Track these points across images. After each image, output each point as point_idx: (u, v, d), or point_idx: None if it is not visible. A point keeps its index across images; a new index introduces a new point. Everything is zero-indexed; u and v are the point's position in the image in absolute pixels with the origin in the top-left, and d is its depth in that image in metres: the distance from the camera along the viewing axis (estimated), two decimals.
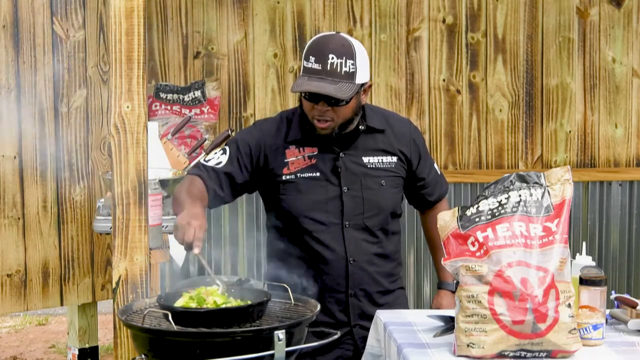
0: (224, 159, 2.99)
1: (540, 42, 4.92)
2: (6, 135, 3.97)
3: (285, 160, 2.98)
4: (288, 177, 2.97)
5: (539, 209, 2.34)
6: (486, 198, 2.39)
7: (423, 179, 3.13)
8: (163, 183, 3.14)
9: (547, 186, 2.37)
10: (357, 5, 4.84)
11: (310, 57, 2.85)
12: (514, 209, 2.34)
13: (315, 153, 2.98)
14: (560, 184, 2.37)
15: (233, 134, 4.73)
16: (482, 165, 4.94)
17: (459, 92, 4.91)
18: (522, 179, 2.39)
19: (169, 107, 4.73)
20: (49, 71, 4.07)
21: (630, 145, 4.99)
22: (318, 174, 2.96)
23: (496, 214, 2.34)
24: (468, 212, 2.38)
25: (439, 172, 3.21)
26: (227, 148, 3.01)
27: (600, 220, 4.97)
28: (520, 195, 2.36)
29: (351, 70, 2.84)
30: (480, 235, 2.32)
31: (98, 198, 4.02)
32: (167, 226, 3.22)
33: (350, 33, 4.82)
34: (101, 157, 4.24)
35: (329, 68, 2.82)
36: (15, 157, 4.00)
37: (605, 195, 4.97)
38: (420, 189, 3.15)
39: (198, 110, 4.74)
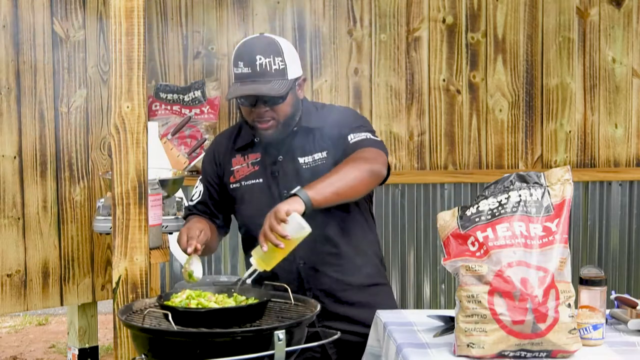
0: (201, 188, 3.09)
1: (540, 42, 4.93)
2: (6, 135, 3.98)
3: (232, 169, 3.02)
4: (234, 185, 3.01)
5: (539, 209, 2.34)
6: (486, 198, 2.39)
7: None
8: (163, 183, 3.14)
9: (547, 186, 2.37)
10: (357, 5, 4.84)
11: (239, 62, 2.86)
12: (514, 209, 2.34)
13: (258, 159, 2.99)
14: (560, 184, 2.37)
15: None
16: (482, 165, 4.94)
17: (459, 92, 4.91)
18: (522, 179, 2.39)
19: (169, 107, 4.73)
20: (49, 71, 4.08)
21: (630, 145, 4.99)
22: (261, 180, 2.97)
23: (496, 214, 2.34)
24: (468, 212, 2.38)
25: (353, 139, 2.92)
26: (200, 177, 3.11)
27: (600, 220, 4.97)
28: (520, 195, 2.36)
29: (281, 67, 2.86)
30: (480, 235, 2.32)
31: (98, 198, 4.02)
32: (167, 226, 3.22)
33: (350, 33, 4.83)
34: (101, 157, 4.24)
35: (258, 69, 2.83)
36: (15, 157, 4.01)
37: (605, 195, 4.97)
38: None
39: (198, 110, 4.74)
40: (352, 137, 2.91)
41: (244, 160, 3.01)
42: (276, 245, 2.59)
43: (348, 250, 2.98)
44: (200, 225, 2.91)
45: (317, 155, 2.95)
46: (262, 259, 2.63)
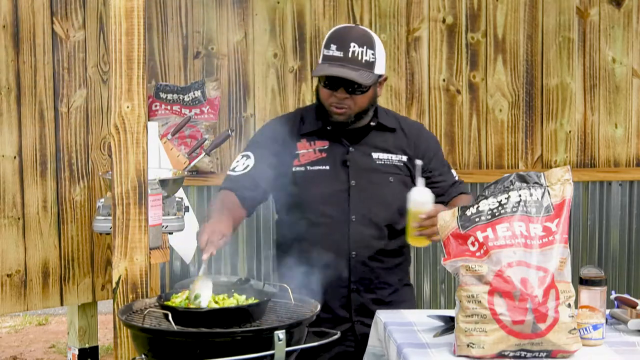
0: (251, 162, 3.05)
1: (540, 42, 4.93)
2: (6, 135, 3.98)
3: (296, 152, 3.02)
4: (298, 169, 3.01)
5: (539, 209, 2.34)
6: (486, 198, 2.39)
7: (431, 176, 3.08)
8: (163, 183, 3.14)
9: (547, 186, 2.37)
10: (357, 5, 4.84)
11: (332, 45, 2.91)
12: (514, 209, 2.34)
13: (326, 147, 3.02)
14: (560, 184, 2.37)
15: (233, 134, 4.74)
16: (482, 165, 4.94)
17: (459, 92, 4.91)
18: (522, 179, 2.39)
19: (169, 107, 4.73)
20: (49, 71, 4.07)
21: (630, 145, 4.99)
22: (327, 167, 3.00)
23: (496, 214, 2.34)
24: (468, 212, 2.38)
25: (456, 178, 3.19)
26: (249, 152, 3.06)
27: (600, 220, 4.97)
28: (520, 195, 2.36)
29: (371, 59, 2.91)
30: (480, 235, 2.32)
31: (98, 198, 4.02)
32: (167, 226, 3.22)
33: None
34: (101, 157, 4.24)
35: (350, 55, 2.89)
36: (15, 157, 4.01)
37: (605, 195, 4.97)
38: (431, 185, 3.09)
39: (198, 110, 4.74)
40: (455, 176, 3.18)
41: (310, 146, 3.03)
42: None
43: (395, 251, 3.07)
44: (226, 228, 2.78)
45: (394, 157, 3.05)
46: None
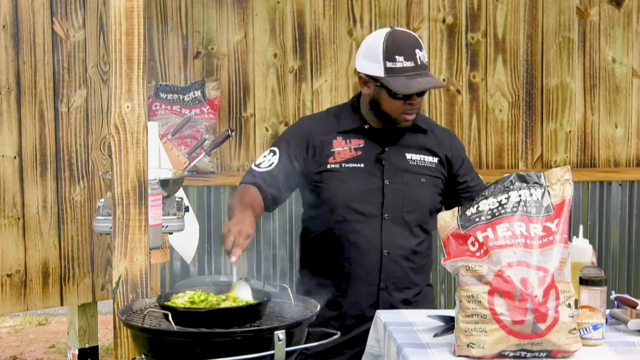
0: (275, 159, 3.04)
1: (540, 42, 4.93)
2: (6, 135, 3.98)
3: (332, 150, 3.03)
4: (333, 166, 3.02)
5: (539, 209, 2.34)
6: (486, 198, 2.39)
7: (465, 182, 3.14)
8: (163, 183, 3.13)
9: (547, 186, 2.37)
10: (357, 5, 4.84)
11: (397, 57, 2.88)
12: (514, 209, 2.34)
13: (362, 145, 3.03)
14: (560, 184, 2.37)
15: (233, 134, 4.74)
16: (482, 165, 4.94)
17: (459, 92, 4.91)
18: (522, 179, 2.39)
19: (169, 107, 4.73)
20: (49, 71, 4.08)
21: (630, 145, 4.99)
22: (362, 165, 3.01)
23: (496, 214, 2.34)
24: (468, 212, 2.38)
25: (483, 182, 3.22)
26: (276, 148, 3.06)
27: (600, 220, 4.97)
28: (520, 195, 2.36)
29: (427, 60, 2.96)
30: (480, 235, 2.32)
31: (98, 198, 4.03)
32: (167, 226, 3.22)
33: (350, 33, 4.83)
34: (101, 157, 4.24)
35: (420, 62, 2.90)
36: (15, 157, 4.01)
37: (605, 195, 4.97)
38: (462, 192, 3.14)
39: (198, 110, 4.74)
40: (481, 179, 3.21)
41: (346, 144, 3.04)
42: None
43: (424, 252, 3.10)
44: (250, 227, 2.74)
45: (428, 158, 3.07)
46: None
